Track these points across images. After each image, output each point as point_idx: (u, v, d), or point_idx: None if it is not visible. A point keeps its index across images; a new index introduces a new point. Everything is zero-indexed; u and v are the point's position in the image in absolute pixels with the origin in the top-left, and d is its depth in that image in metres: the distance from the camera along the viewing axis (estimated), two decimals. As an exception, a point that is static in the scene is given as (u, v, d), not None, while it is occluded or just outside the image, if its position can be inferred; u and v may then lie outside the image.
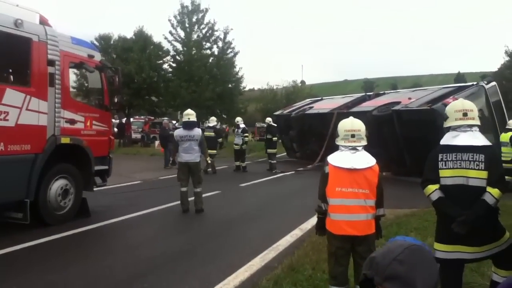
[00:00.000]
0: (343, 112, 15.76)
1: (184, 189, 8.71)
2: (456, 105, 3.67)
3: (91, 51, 8.64)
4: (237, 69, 33.86)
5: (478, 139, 3.45)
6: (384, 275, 1.31)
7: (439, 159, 3.49)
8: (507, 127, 11.80)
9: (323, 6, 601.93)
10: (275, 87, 50.96)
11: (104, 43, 33.96)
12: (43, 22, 7.50)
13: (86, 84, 9.52)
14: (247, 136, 17.65)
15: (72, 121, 7.79)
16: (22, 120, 6.74)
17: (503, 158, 9.65)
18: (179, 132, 9.00)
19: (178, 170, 8.94)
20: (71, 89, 8.25)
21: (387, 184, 7.68)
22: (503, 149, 10.64)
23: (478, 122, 3.52)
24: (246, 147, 17.22)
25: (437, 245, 3.52)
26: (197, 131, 8.86)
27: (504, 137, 11.17)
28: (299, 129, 20.06)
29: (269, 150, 17.01)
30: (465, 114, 3.55)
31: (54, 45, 7.37)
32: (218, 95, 30.45)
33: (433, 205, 3.58)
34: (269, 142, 17.16)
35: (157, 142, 28.76)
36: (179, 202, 8.80)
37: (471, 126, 3.51)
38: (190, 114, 8.92)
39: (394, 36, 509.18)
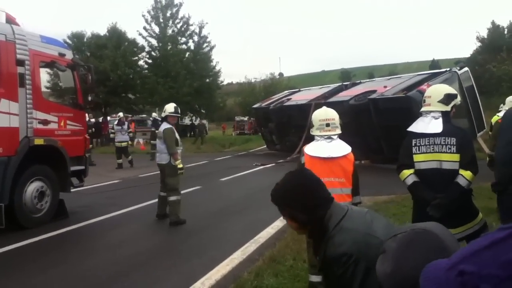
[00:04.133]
0: (321, 102, 15.83)
1: (161, 193, 7.80)
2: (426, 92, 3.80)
3: (62, 50, 8.46)
4: (214, 64, 33.76)
5: (427, 125, 3.53)
6: (382, 249, 1.31)
7: (413, 144, 3.56)
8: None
9: (295, 10, 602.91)
10: (253, 80, 51.01)
11: (77, 40, 33.38)
12: (10, 20, 7.30)
13: (58, 84, 9.30)
14: (131, 132, 18.81)
15: (45, 122, 7.62)
16: (-8, 123, 6.58)
17: None
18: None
19: None
20: (43, 89, 8.06)
21: (365, 172, 7.83)
22: None
23: (436, 108, 3.56)
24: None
25: (413, 229, 3.58)
26: (162, 127, 7.76)
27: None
28: (278, 121, 20.10)
29: (153, 141, 17.83)
30: (424, 101, 3.71)
31: (22, 44, 7.18)
32: (196, 90, 30.31)
33: (408, 189, 3.65)
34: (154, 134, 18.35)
35: (136, 140, 28.48)
36: (159, 199, 8.73)
37: (427, 112, 3.61)
38: (164, 110, 8.06)
39: (370, 26, 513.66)
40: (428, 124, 3.53)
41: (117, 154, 16.60)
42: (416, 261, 1.10)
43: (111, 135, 19.40)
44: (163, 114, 8.05)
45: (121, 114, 19.51)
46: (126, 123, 17.58)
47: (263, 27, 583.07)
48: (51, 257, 5.84)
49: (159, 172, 7.96)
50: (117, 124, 17.21)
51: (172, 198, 7.44)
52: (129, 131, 17.44)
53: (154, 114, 21.73)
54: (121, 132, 16.67)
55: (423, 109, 3.67)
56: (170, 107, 7.91)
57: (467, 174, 3.35)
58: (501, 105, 8.71)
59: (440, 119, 3.50)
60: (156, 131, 17.73)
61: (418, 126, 3.61)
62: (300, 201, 1.89)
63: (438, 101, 3.55)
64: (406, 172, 3.58)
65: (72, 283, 4.93)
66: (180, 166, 7.55)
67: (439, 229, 1.22)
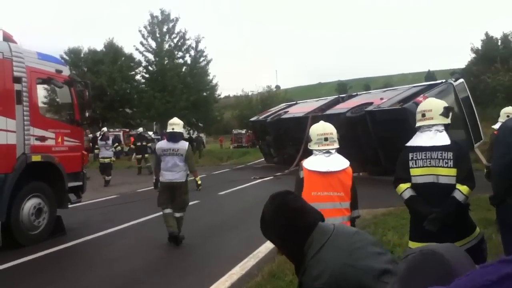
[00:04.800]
0: (318, 115, 15.90)
1: (168, 210, 7.25)
2: (419, 106, 3.76)
3: (59, 66, 8.49)
4: (210, 77, 33.89)
5: (432, 139, 3.49)
6: (394, 271, 1.29)
7: (410, 158, 3.54)
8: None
9: (294, 11, 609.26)
10: (250, 93, 51.21)
11: (74, 56, 33.56)
12: (7, 38, 7.33)
13: (56, 100, 9.31)
14: (117, 146, 19.16)
15: (42, 138, 7.61)
16: (-11, 140, 6.56)
17: None
18: (161, 145, 7.46)
19: (159, 192, 7.44)
20: (40, 106, 8.07)
21: (363, 184, 7.80)
22: None
23: (439, 121, 3.54)
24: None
25: (411, 243, 3.56)
26: (183, 144, 7.35)
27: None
28: (275, 134, 20.15)
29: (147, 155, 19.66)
30: (423, 115, 3.61)
31: (19, 61, 7.21)
32: (193, 104, 30.33)
33: (405, 203, 3.63)
34: (143, 148, 19.69)
35: (133, 155, 28.40)
36: (156, 214, 8.61)
37: (429, 126, 3.56)
38: (175, 124, 7.42)
39: (366, 37, 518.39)
40: (433, 138, 3.49)
41: (101, 171, 16.32)
42: (420, 284, 1.07)
43: (96, 151, 19.04)
44: (177, 129, 7.38)
45: (105, 129, 18.85)
46: (111, 138, 17.28)
47: (259, 40, 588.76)
48: (48, 275, 5.78)
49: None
50: (101, 139, 16.81)
51: (180, 214, 7.34)
52: (115, 146, 17.36)
53: (140, 129, 22.32)
54: (105, 148, 16.29)
55: (425, 122, 3.57)
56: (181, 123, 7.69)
57: (464, 188, 3.34)
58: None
59: (444, 132, 3.50)
60: (148, 144, 18.08)
61: (421, 141, 3.53)
62: (277, 227, 1.85)
63: (440, 114, 3.55)
64: (403, 186, 3.56)
65: (69, 301, 4.89)
66: (200, 182, 7.90)
67: (450, 251, 1.17)
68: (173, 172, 7.21)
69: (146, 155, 19.37)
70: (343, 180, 3.73)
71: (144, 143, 19.90)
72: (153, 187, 7.97)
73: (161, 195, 7.35)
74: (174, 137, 7.32)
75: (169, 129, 7.46)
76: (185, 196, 7.42)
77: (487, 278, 0.76)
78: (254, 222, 7.82)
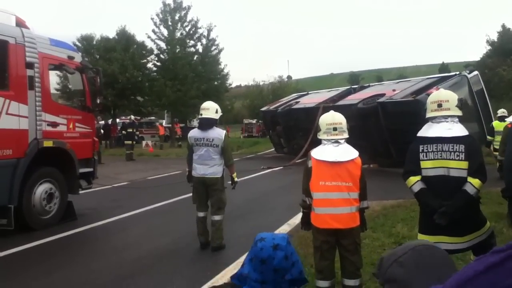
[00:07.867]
0: (329, 105, 15.78)
1: (201, 214, 6.30)
2: (432, 97, 3.69)
3: (71, 53, 8.52)
4: (222, 66, 33.80)
5: (451, 130, 3.42)
6: (384, 277, 1.22)
7: (420, 151, 3.49)
8: (499, 115, 11.83)
9: (308, 2, 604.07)
10: (261, 83, 51.01)
11: (86, 43, 33.63)
12: (20, 24, 7.36)
13: (67, 86, 9.37)
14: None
15: (54, 124, 7.68)
16: (2, 125, 6.63)
17: (496, 147, 9.72)
18: (194, 133, 6.30)
19: (192, 188, 6.47)
20: (52, 92, 8.12)
21: (373, 176, 7.77)
22: (497, 137, 10.15)
23: (455, 113, 3.48)
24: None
25: (420, 236, 3.54)
26: (218, 133, 6.18)
27: (499, 125, 10.89)
28: (285, 125, 20.08)
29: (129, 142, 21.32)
30: (439, 105, 3.53)
31: (32, 47, 7.25)
32: (204, 92, 30.28)
33: (415, 196, 3.59)
34: (132, 135, 21.29)
35: (144, 142, 28.62)
36: (165, 202, 8.64)
37: (446, 117, 3.49)
38: (205, 109, 6.23)
39: (379, 29, 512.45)
40: (451, 128, 3.43)
41: None
42: (424, 280, 1.06)
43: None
44: (207, 114, 6.19)
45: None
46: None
47: (272, 30, 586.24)
48: (57, 260, 5.87)
49: (167, 174, 7.88)
50: None
51: (218, 217, 6.30)
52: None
53: (132, 117, 23.79)
54: None
55: (442, 113, 3.50)
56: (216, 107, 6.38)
57: (476, 182, 3.29)
58: None
59: (459, 124, 3.45)
60: (136, 131, 19.10)
61: (437, 131, 3.47)
62: None
63: (456, 106, 3.49)
64: (413, 179, 3.52)
65: (77, 285, 4.95)
66: (236, 179, 6.75)
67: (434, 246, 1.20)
68: (205, 166, 6.20)
69: (135, 142, 21.38)
70: (351, 170, 3.70)
71: (134, 130, 21.38)
72: (165, 175, 7.89)
73: (193, 191, 6.44)
74: (202, 124, 6.21)
75: (201, 115, 6.29)
76: (221, 194, 6.38)
77: (476, 269, 0.78)
78: (261, 212, 7.87)
